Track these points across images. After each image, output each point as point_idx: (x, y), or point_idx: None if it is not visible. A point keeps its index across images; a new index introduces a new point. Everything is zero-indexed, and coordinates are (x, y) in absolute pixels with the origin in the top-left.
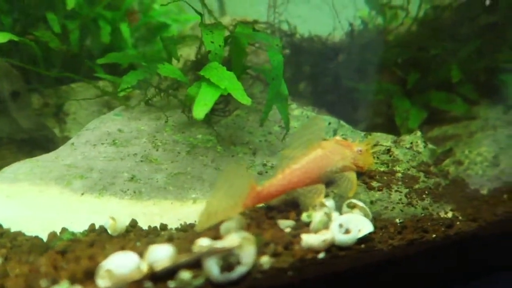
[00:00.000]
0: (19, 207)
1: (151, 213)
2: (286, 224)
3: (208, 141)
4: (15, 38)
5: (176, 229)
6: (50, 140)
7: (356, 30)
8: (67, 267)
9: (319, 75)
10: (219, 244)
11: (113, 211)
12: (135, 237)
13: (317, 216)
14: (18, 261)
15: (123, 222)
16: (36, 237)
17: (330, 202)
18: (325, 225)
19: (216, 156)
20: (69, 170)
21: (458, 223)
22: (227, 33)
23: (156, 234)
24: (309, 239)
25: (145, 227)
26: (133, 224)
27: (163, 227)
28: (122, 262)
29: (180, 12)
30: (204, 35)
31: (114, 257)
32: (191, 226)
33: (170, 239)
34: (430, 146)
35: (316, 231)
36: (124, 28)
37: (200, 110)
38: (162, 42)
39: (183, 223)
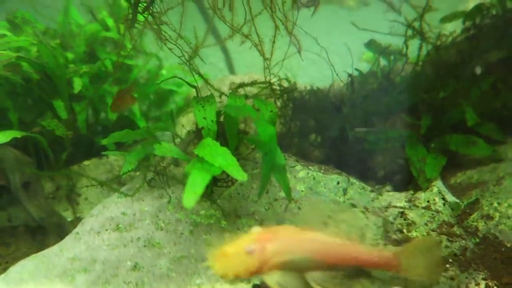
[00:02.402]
0: None
1: None
2: None
3: (211, 216)
4: (18, 135)
5: None
6: (61, 226)
7: (358, 76)
8: None
9: (323, 129)
10: None
11: None
12: None
13: None
14: None
15: None
16: None
17: None
18: None
19: (220, 233)
20: (72, 263)
21: None
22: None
23: None
24: None
25: None
26: None
27: None
28: None
29: (186, 75)
30: (196, 112)
31: None
32: None
33: None
34: (452, 199)
35: None
36: None
37: (189, 199)
38: (164, 115)
39: None
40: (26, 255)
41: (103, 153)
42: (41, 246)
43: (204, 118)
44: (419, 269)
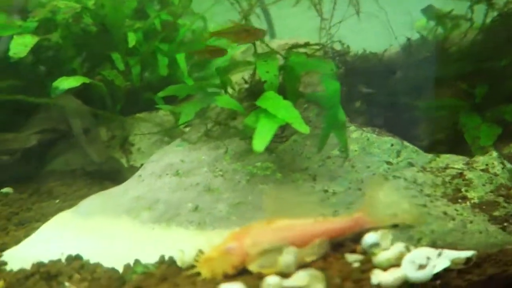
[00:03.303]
0: (96, 239)
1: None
2: (353, 258)
3: (267, 168)
4: (87, 81)
5: None
6: (118, 171)
7: (413, 43)
8: None
9: (376, 94)
10: (288, 282)
11: (180, 242)
12: None
13: (387, 253)
14: None
15: (190, 254)
16: (113, 269)
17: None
18: (397, 261)
19: (276, 184)
20: (137, 202)
21: None
22: (280, 60)
23: None
24: (380, 276)
25: None
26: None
27: None
28: None
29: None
30: (259, 65)
31: None
32: None
33: None
34: (508, 166)
35: (385, 267)
36: (181, 60)
37: (259, 143)
38: (216, 72)
39: None
40: (88, 194)
41: (157, 106)
42: (101, 188)
43: (267, 72)
44: (389, 211)
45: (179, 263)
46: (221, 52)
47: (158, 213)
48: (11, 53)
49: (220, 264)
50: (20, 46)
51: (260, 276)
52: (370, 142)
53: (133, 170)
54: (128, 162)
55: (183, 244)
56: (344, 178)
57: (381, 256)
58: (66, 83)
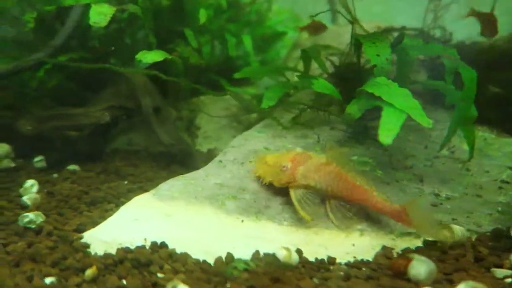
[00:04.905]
0: (179, 227)
1: (313, 243)
2: (503, 274)
3: (365, 163)
4: (169, 57)
5: (347, 264)
6: (188, 155)
7: None
8: None
9: (488, 88)
10: None
11: (272, 238)
12: (305, 270)
13: None
14: None
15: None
16: (204, 262)
17: None
18: None
19: (377, 182)
20: (220, 189)
21: None
22: None
23: (325, 268)
24: None
25: (310, 259)
26: (299, 255)
27: (331, 260)
28: None
29: (297, 20)
30: (367, 48)
31: None
32: (364, 262)
33: (347, 277)
34: None
35: None
36: (247, 40)
37: (386, 136)
38: (303, 54)
39: (353, 259)
40: (156, 177)
41: (228, 87)
42: (168, 171)
43: (378, 55)
44: (424, 223)
45: (284, 262)
46: (323, 27)
47: (245, 204)
48: (91, 22)
49: (271, 173)
50: (100, 15)
51: None
52: (488, 143)
53: (200, 155)
54: (193, 146)
55: (278, 241)
56: (457, 182)
57: None
58: (149, 57)
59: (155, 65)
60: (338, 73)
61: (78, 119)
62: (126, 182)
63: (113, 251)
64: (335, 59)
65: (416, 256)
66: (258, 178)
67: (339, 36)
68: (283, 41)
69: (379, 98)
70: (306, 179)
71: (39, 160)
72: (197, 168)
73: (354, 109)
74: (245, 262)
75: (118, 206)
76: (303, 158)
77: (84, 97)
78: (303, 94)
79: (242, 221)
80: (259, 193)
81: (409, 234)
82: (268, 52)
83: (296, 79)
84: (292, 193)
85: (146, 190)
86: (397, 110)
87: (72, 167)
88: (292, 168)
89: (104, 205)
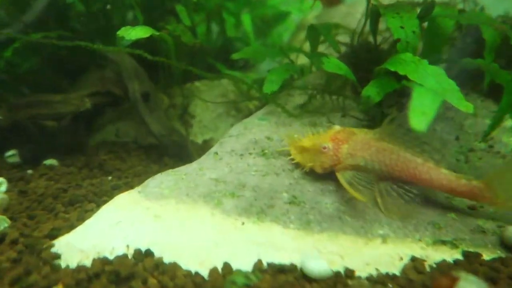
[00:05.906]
0: (168, 231)
1: (327, 250)
2: None
3: None
4: (156, 33)
5: (369, 279)
6: (181, 147)
7: None
8: None
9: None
10: None
11: (277, 243)
12: (317, 285)
13: None
14: None
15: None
16: (197, 274)
17: None
18: None
19: None
20: (217, 185)
21: None
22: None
23: (342, 283)
24: None
25: None
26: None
27: (349, 273)
28: None
29: (301, 1)
30: (390, 19)
31: None
32: (390, 277)
33: None
34: None
35: None
36: (246, 20)
37: (419, 121)
38: (311, 32)
39: (376, 272)
40: (145, 172)
41: (226, 71)
42: (159, 165)
43: (402, 27)
44: None
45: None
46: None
47: (245, 202)
48: None
49: (311, 158)
50: None
51: None
52: None
53: (194, 147)
54: (188, 136)
55: (284, 247)
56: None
57: None
58: (133, 33)
59: (143, 46)
60: (352, 53)
61: (56, 107)
62: (110, 178)
63: (88, 262)
64: (346, 39)
65: (463, 275)
66: (296, 165)
67: (347, 15)
68: (286, 23)
69: (405, 77)
70: (353, 158)
71: (11, 155)
72: (192, 162)
73: (372, 92)
74: (246, 275)
75: (99, 206)
76: (345, 135)
77: (65, 83)
78: (310, 78)
79: (243, 223)
80: (261, 190)
81: (443, 242)
82: (270, 35)
83: (301, 62)
84: (340, 177)
85: (133, 187)
86: (431, 91)
87: (49, 161)
88: (334, 148)
89: (84, 205)
